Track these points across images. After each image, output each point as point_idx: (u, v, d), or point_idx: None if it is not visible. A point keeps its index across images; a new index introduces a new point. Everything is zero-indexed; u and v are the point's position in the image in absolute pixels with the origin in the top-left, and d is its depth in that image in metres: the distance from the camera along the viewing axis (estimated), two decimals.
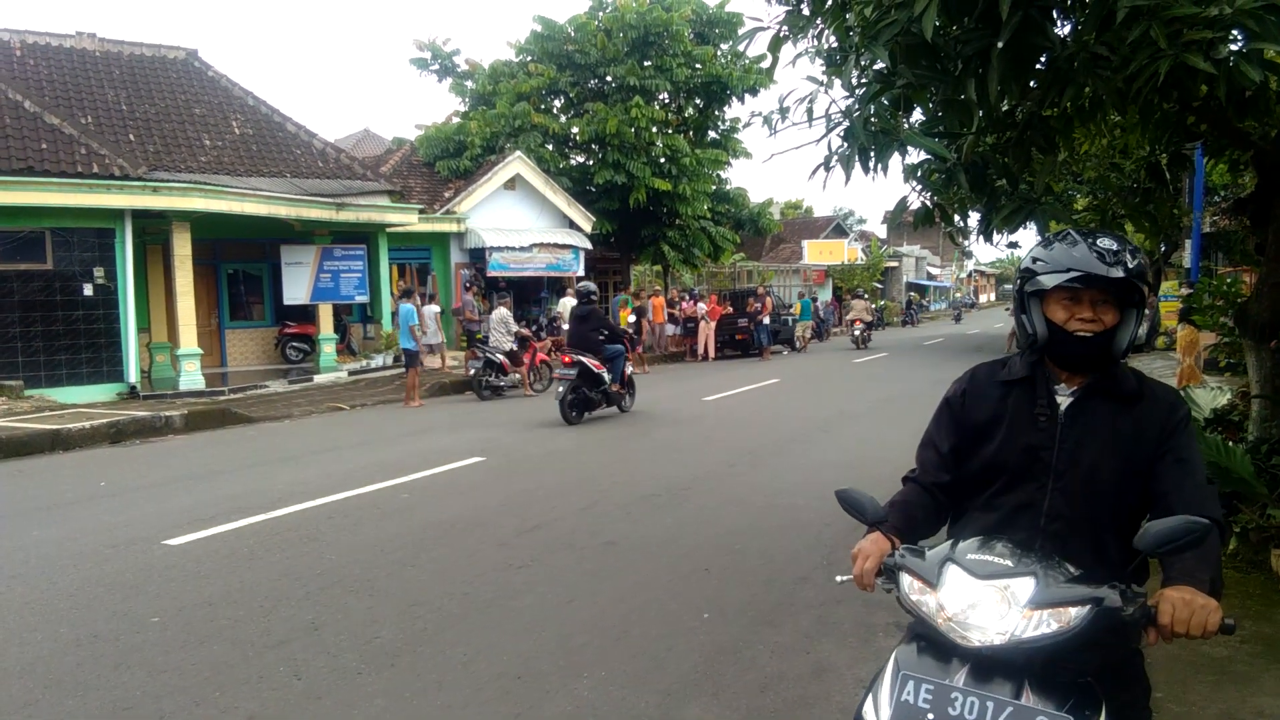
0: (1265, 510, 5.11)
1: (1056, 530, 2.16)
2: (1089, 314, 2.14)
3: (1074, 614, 1.80)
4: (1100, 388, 2.21)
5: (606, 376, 12.89)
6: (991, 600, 1.86)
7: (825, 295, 44.49)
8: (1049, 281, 2.14)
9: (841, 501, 2.22)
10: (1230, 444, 5.16)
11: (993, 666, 1.84)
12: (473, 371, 16.44)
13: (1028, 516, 2.20)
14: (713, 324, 25.59)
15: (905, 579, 2.00)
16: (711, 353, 25.37)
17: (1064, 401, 2.23)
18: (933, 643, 1.94)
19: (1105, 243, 2.13)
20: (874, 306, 38.35)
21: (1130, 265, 2.10)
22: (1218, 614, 1.83)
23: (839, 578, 2.22)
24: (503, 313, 16.92)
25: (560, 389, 12.55)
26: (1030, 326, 2.24)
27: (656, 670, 4.23)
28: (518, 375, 16.75)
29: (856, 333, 28.70)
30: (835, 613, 4.88)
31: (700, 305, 26.28)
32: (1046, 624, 1.80)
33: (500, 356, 16.28)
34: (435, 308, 19.38)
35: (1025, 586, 1.85)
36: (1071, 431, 2.19)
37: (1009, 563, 1.90)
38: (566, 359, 12.74)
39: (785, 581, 5.50)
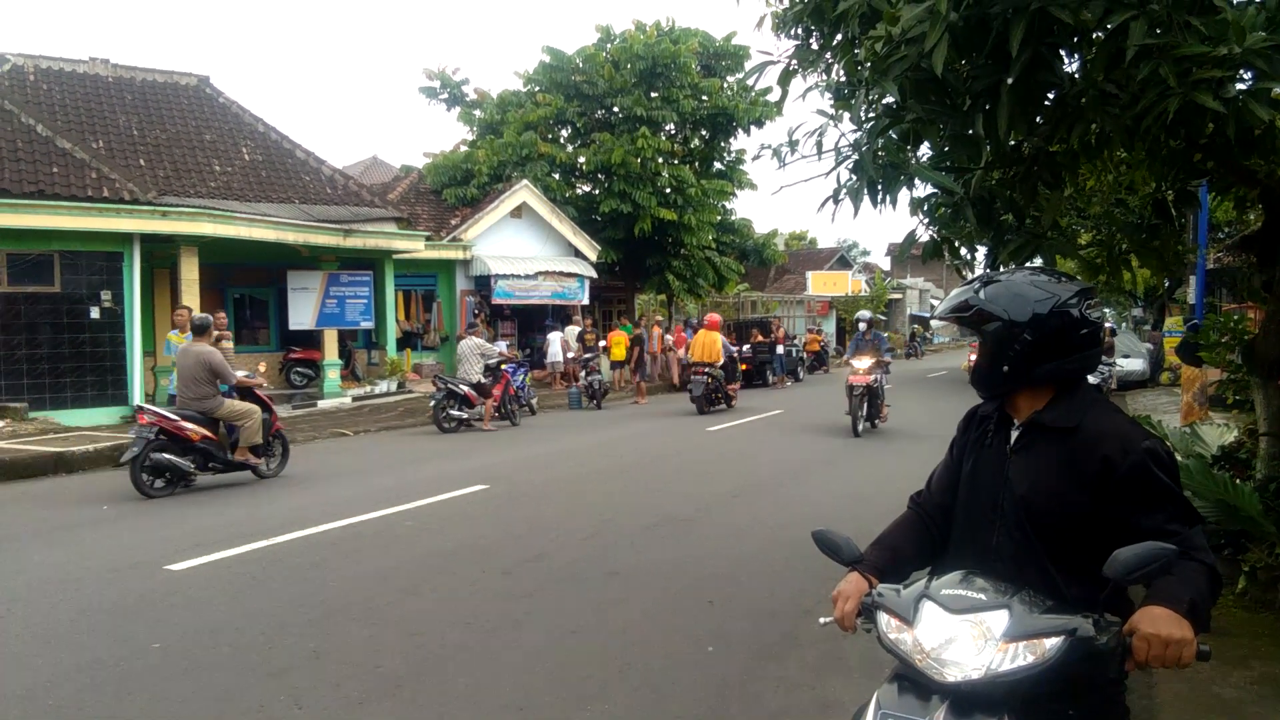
0: (1273, 549, 5.07)
1: (1002, 570, 2.08)
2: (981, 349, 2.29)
3: (1049, 645, 1.79)
4: (1039, 422, 2.19)
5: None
6: (967, 635, 1.85)
7: (829, 326, 44.52)
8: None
9: (818, 543, 2.24)
10: (1238, 482, 5.13)
11: (972, 702, 1.82)
12: (433, 402, 15.57)
13: (982, 554, 2.20)
14: (679, 353, 24.91)
15: (883, 618, 2.00)
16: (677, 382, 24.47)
17: (1014, 438, 2.25)
18: (913, 681, 1.93)
19: (961, 287, 2.27)
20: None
21: (970, 302, 2.18)
22: (1191, 647, 1.80)
23: (822, 620, 2.22)
24: (474, 342, 16.26)
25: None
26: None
27: (660, 704, 4.19)
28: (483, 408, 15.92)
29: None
30: (841, 647, 4.83)
31: (667, 336, 25.07)
32: (1022, 656, 1.80)
33: (464, 388, 15.57)
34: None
35: (1000, 620, 1.84)
36: (1014, 469, 2.19)
37: (983, 597, 1.89)
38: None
39: (790, 615, 5.46)
